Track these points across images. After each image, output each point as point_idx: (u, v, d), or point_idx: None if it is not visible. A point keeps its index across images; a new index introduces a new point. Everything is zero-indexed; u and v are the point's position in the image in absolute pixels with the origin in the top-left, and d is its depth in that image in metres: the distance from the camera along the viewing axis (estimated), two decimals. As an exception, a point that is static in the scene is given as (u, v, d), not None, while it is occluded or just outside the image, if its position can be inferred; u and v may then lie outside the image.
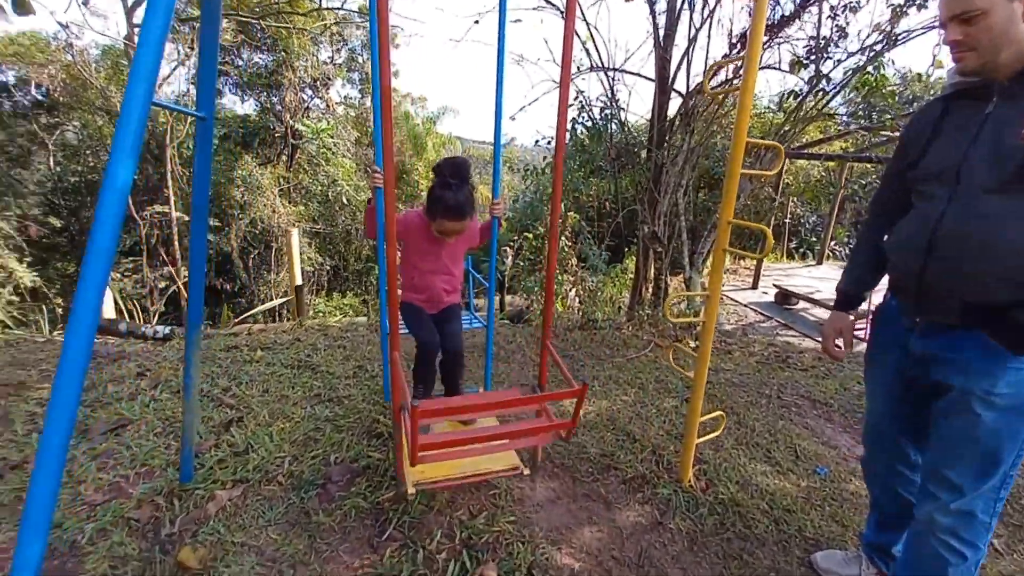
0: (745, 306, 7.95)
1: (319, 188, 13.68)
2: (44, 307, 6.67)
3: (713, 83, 4.59)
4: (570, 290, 6.41)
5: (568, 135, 4.25)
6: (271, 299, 11.36)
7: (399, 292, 2.29)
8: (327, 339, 3.86)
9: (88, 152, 13.19)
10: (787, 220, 11.76)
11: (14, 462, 2.10)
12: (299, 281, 5.86)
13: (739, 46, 4.59)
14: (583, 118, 4.19)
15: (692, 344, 4.30)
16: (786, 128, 4.51)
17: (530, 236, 7.10)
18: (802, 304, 7.36)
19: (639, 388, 3.12)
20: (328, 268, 13.68)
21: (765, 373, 3.68)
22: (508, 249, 8.33)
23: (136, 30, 12.93)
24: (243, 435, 2.32)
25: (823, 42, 4.01)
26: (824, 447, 2.62)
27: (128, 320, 5.11)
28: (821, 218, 12.52)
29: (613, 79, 4.37)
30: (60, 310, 7.48)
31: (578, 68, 4.35)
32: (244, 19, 10.35)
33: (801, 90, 4.36)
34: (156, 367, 3.19)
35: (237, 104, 15.00)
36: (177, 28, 12.94)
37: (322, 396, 2.77)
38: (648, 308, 4.77)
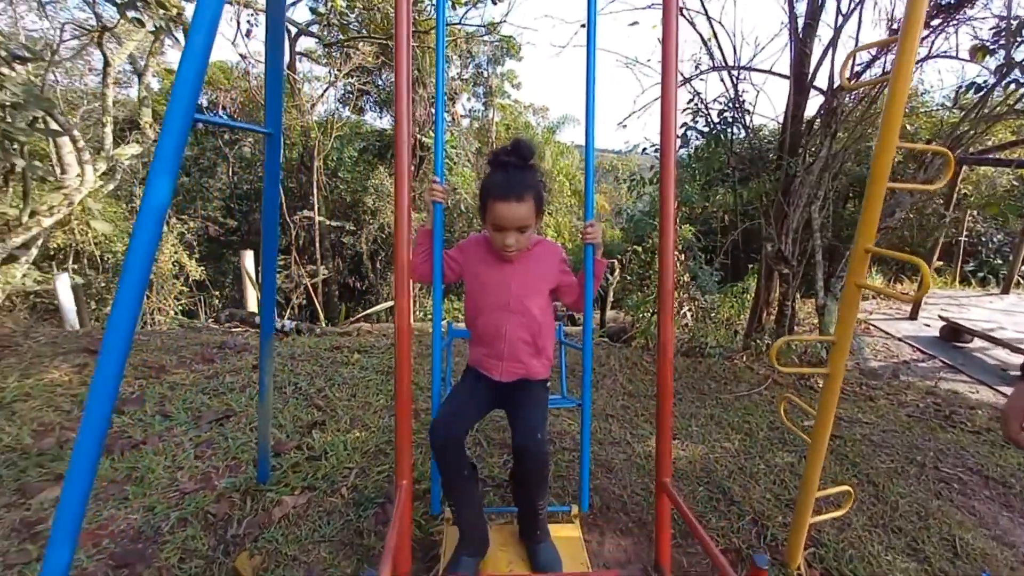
0: (899, 340, 6.73)
1: (440, 196, 14.48)
2: (203, 298, 7.82)
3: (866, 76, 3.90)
4: (679, 309, 5.93)
5: (680, 141, 3.87)
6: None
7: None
8: (420, 346, 3.93)
9: (259, 164, 15.27)
10: (963, 238, 9.78)
11: (135, 441, 2.36)
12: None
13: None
14: (698, 123, 3.79)
15: (823, 383, 3.67)
16: (963, 129, 3.66)
17: (639, 249, 6.71)
18: (978, 342, 6.02)
19: (746, 435, 2.68)
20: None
21: (919, 432, 2.98)
22: (616, 262, 7.99)
23: (297, 58, 14.81)
24: (322, 440, 2.39)
25: (1017, 22, 3.18)
26: (996, 544, 2.00)
27: (262, 314, 5.73)
28: (1010, 236, 10.21)
29: (738, 78, 3.90)
30: (217, 301, 8.68)
31: (696, 66, 3.96)
32: (376, 40, 11.27)
33: (985, 82, 3.51)
34: (269, 362, 3.48)
35: (376, 120, 16.50)
36: (331, 54, 14.55)
37: (401, 407, 2.78)
38: (768, 337, 4.17)
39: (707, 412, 2.94)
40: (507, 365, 1.56)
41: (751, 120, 3.95)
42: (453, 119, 16.00)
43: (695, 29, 3.91)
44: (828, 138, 3.59)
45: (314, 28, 13.04)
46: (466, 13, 6.88)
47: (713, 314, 5.63)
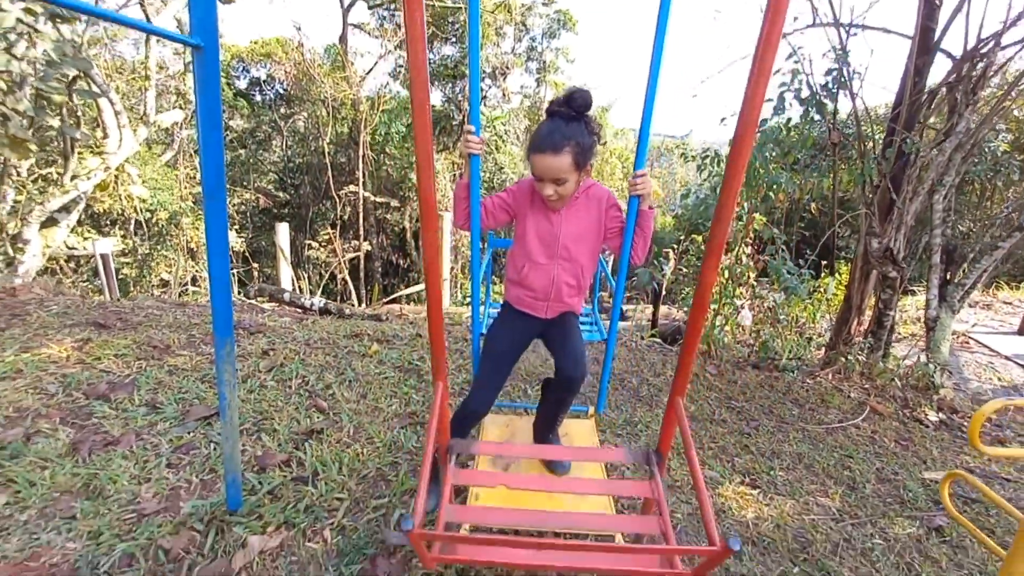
0: (1007, 359, 5.76)
1: (486, 175, 14.05)
2: (250, 269, 7.73)
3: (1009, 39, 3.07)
4: (740, 308, 5.24)
5: (775, 108, 3.18)
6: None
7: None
8: (449, 339, 3.50)
9: (311, 138, 15.40)
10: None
11: (109, 439, 2.04)
12: (445, 272, 5.71)
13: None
14: (797, 86, 3.07)
15: (934, 416, 2.97)
16: None
17: (698, 239, 6.01)
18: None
19: (849, 487, 2.08)
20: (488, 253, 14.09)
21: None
22: (671, 251, 7.28)
23: (351, 29, 14.57)
24: (317, 454, 1.99)
25: None
26: None
27: (292, 291, 5.48)
28: None
29: (849, 33, 3.15)
30: (256, 273, 8.61)
31: (794, 19, 3.23)
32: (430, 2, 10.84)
33: None
34: (281, 346, 3.14)
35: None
36: (383, 24, 14.25)
37: (415, 416, 2.35)
38: (862, 352, 3.47)
39: (793, 449, 2.35)
40: (552, 305, 1.66)
41: (861, 87, 3.21)
42: (504, 95, 15.42)
43: (796, -27, 3.18)
44: (967, 108, 2.83)
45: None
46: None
47: (781, 316, 4.92)
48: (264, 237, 12.84)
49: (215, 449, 2.01)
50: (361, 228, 12.58)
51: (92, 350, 2.87)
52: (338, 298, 9.79)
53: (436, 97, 15.65)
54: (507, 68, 15.12)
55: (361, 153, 12.57)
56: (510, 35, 15.06)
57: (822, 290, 5.01)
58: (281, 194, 14.61)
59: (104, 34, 7.30)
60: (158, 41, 5.88)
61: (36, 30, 4.52)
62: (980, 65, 3.18)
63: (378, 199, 13.24)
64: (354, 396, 2.52)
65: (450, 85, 14.89)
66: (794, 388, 3.14)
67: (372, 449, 2.06)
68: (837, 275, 5.34)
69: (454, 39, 14.65)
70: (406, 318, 4.47)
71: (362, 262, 12.22)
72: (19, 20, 4.37)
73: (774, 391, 3.07)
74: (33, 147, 4.98)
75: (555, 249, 1.59)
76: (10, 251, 5.19)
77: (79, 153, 5.69)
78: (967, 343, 6.17)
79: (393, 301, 6.86)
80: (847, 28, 3.19)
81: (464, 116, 14.03)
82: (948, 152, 2.93)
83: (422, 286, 8.05)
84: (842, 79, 3.03)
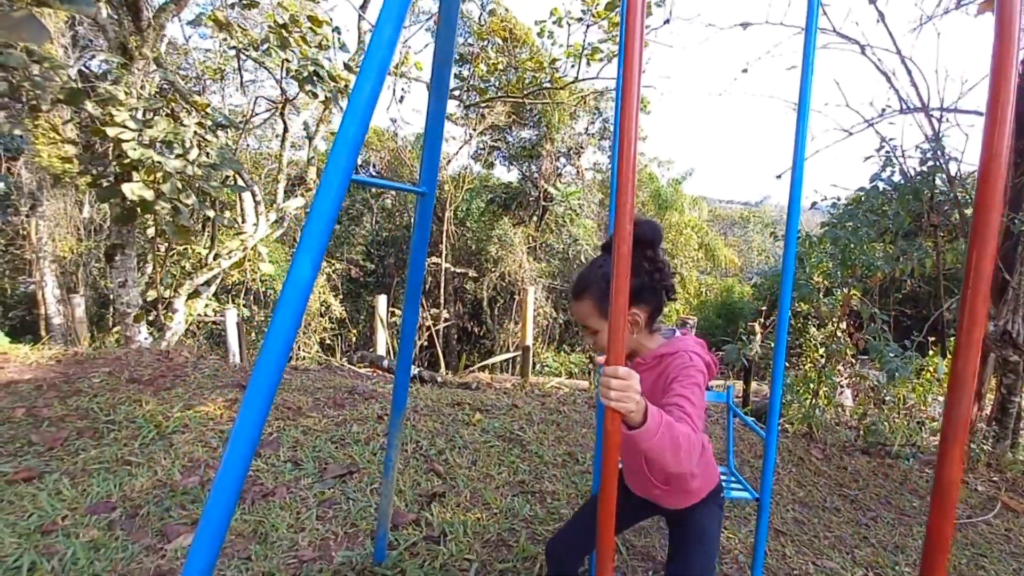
0: None
1: (561, 246, 14.55)
2: (341, 334, 8.42)
3: None
4: (842, 389, 5.04)
5: (864, 195, 3.26)
6: (509, 345, 12.43)
7: None
8: (543, 410, 3.66)
9: (397, 214, 16.78)
10: None
11: (266, 490, 2.36)
12: (529, 341, 5.97)
13: None
14: (889, 173, 3.15)
15: (1084, 519, 2.68)
16: None
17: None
18: None
19: (988, 592, 1.96)
20: (561, 322, 14.29)
21: None
22: (756, 325, 7.11)
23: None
24: (441, 516, 2.19)
25: None
26: None
27: (389, 358, 5.93)
28: None
29: (941, 120, 3.24)
30: (354, 337, 9.29)
31: (882, 111, 3.36)
32: (512, 100, 11.86)
33: None
34: (393, 413, 3.44)
35: (504, 173, 17.37)
36: (468, 114, 15.73)
37: (525, 485, 2.51)
38: (987, 441, 3.22)
39: (918, 544, 2.23)
40: (635, 482, 1.29)
41: (959, 169, 3.23)
42: (578, 172, 16.21)
43: (879, 69, 3.35)
44: (1083, 191, 2.77)
45: (456, 92, 14.23)
46: (602, 69, 6.92)
47: (887, 397, 4.65)
48: (349, 303, 13.88)
49: (353, 505, 2.27)
50: (442, 296, 13.32)
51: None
52: (423, 364, 10.28)
53: (513, 175, 16.76)
54: (581, 148, 16.00)
55: (444, 228, 13.53)
56: (584, 118, 16.04)
57: (931, 369, 4.70)
58: (369, 264, 15.90)
59: (255, 138, 8.74)
60: (292, 145, 6.93)
61: (205, 139, 5.55)
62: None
63: (457, 269, 14.03)
64: (466, 463, 2.73)
65: (527, 164, 15.96)
66: (911, 477, 2.96)
67: (490, 514, 2.23)
68: (948, 354, 4.99)
69: (531, 124, 15.83)
70: (497, 387, 4.71)
71: (441, 330, 12.83)
72: (195, 132, 5.39)
73: (889, 480, 2.92)
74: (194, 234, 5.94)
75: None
76: (162, 319, 6.08)
77: (221, 235, 6.69)
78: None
79: (476, 370, 7.15)
80: (938, 114, 3.27)
81: (541, 192, 14.84)
82: (1065, 234, 2.85)
83: (505, 356, 8.32)
84: (938, 164, 3.08)
